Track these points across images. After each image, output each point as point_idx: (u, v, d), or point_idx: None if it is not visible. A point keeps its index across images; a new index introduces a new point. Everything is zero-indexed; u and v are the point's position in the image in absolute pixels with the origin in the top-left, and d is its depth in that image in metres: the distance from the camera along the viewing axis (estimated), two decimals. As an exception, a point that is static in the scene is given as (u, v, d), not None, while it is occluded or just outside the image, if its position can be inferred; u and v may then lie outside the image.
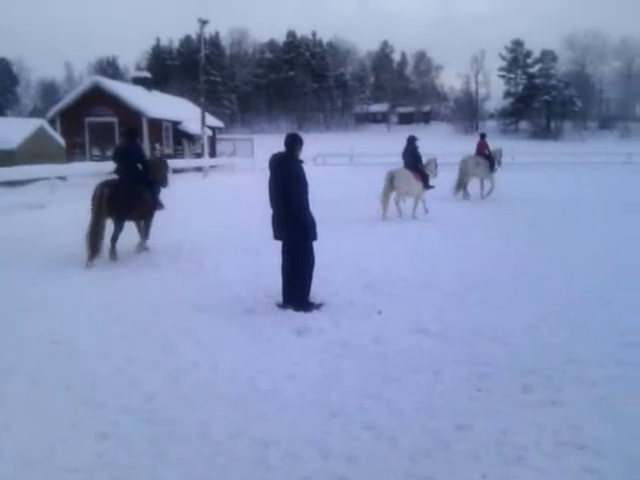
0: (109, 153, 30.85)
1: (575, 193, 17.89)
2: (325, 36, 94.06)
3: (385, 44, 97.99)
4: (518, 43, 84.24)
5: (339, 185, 21.11)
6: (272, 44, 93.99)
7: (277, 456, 3.34)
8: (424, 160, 13.71)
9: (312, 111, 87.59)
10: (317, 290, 6.36)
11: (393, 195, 12.92)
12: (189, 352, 4.91)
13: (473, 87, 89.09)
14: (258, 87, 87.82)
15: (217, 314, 5.95)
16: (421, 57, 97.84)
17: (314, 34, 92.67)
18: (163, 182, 9.50)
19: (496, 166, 17.03)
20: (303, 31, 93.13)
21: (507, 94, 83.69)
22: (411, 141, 13.68)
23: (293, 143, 6.06)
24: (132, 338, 5.24)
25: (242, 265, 8.21)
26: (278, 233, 6.16)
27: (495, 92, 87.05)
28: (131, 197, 8.56)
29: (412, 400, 4.01)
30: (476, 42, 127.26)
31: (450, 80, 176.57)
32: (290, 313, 5.89)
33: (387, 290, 6.83)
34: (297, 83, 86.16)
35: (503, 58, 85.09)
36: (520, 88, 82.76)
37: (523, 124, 79.25)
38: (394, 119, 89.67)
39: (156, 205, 9.17)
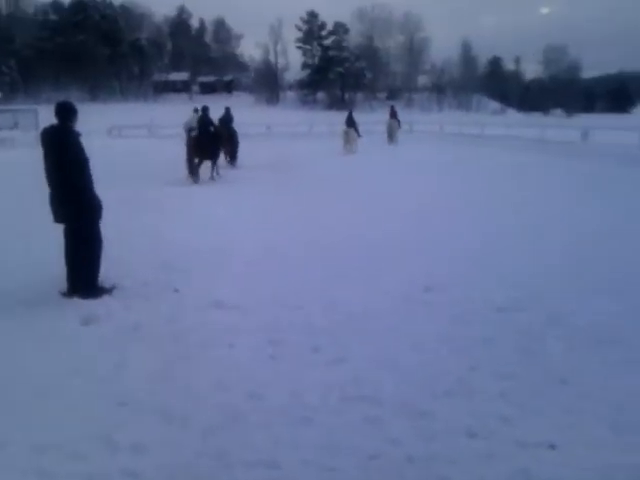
0: None
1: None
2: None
3: (182, 9, 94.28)
4: (313, 15, 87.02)
5: (135, 159, 20.06)
6: (56, 5, 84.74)
7: (56, 460, 3.05)
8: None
9: (106, 79, 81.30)
10: (108, 273, 5.92)
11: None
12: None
13: (273, 57, 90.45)
14: (42, 52, 78.46)
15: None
16: (220, 24, 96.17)
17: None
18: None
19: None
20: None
21: (305, 65, 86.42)
22: (350, 114, 24.57)
23: (65, 113, 5.48)
24: None
25: (16, 252, 7.35)
26: (58, 215, 5.59)
27: (294, 63, 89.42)
28: (204, 145, 14.11)
29: (206, 377, 3.96)
30: (274, 11, 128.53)
31: (250, 50, 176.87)
32: (76, 301, 5.40)
33: (185, 266, 6.66)
34: (88, 48, 78.94)
35: (299, 29, 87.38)
36: (316, 60, 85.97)
37: (320, 95, 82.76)
38: (196, 88, 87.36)
39: (218, 153, 15.07)
